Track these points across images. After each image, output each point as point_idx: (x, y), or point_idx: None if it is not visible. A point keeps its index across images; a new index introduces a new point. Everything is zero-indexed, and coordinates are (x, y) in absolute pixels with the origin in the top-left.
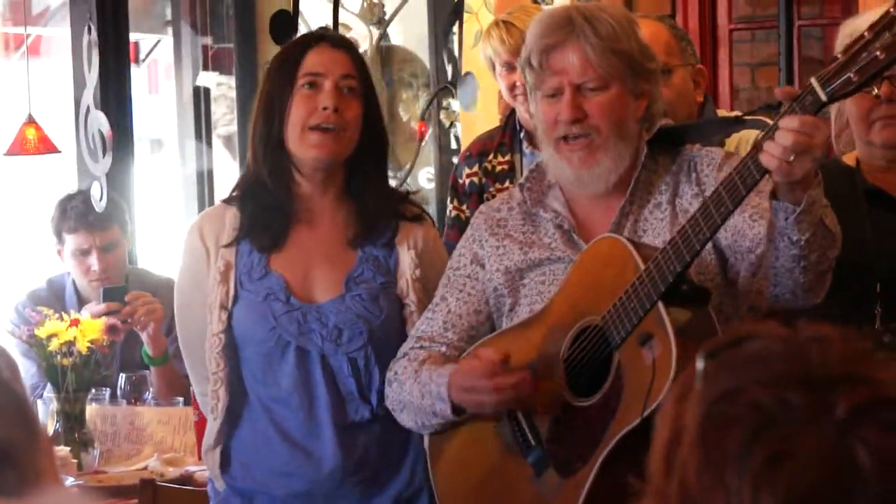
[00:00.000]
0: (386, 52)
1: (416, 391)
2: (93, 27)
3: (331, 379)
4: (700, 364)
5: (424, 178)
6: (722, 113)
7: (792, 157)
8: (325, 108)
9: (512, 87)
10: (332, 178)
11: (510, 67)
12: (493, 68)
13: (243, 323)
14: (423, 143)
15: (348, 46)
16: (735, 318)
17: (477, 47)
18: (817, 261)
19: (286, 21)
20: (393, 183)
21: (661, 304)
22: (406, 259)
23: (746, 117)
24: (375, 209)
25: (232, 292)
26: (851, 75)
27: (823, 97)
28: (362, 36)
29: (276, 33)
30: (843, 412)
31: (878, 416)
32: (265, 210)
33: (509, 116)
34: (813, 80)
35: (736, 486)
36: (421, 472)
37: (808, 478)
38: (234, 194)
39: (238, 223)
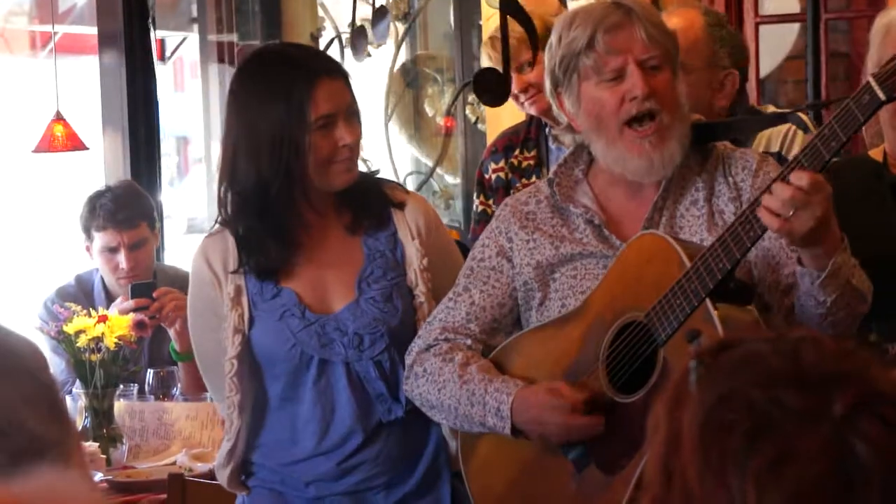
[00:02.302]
0: (411, 47)
1: (462, 397)
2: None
3: (358, 385)
4: (693, 369)
5: (450, 173)
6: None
7: (790, 213)
8: (344, 145)
9: (516, 97)
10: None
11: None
12: None
13: (263, 344)
14: (449, 138)
15: (341, 71)
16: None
17: None
18: (845, 316)
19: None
20: (418, 179)
21: (709, 301)
22: (411, 250)
23: (783, 112)
24: (361, 199)
25: (247, 315)
26: None
27: (882, 96)
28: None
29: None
30: (840, 409)
31: (874, 412)
32: (262, 237)
33: None
34: (870, 79)
35: (739, 488)
36: (443, 455)
37: (811, 475)
38: (224, 220)
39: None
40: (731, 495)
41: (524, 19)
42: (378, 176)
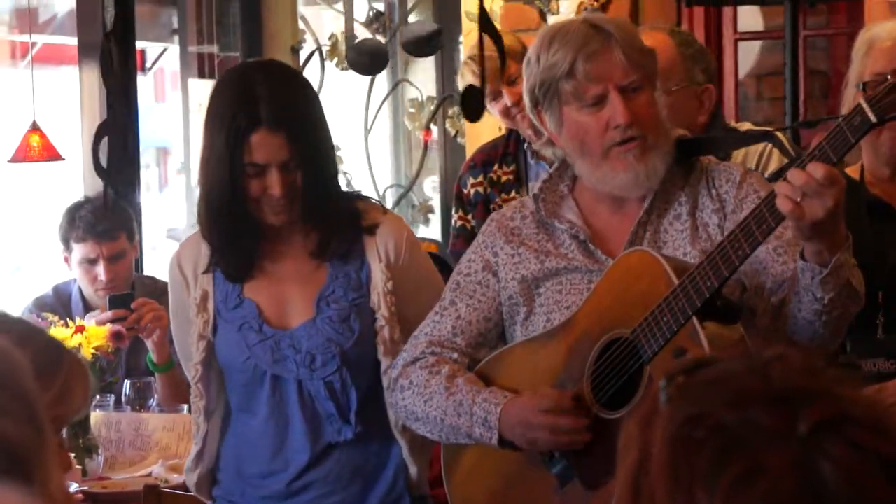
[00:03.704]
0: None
1: (449, 409)
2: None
3: (308, 403)
4: (663, 389)
5: (430, 187)
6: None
7: (800, 198)
8: (272, 194)
9: (506, 112)
10: (291, 212)
11: (496, 95)
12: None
13: (224, 353)
14: (427, 152)
15: (287, 124)
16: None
17: None
18: (839, 316)
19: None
20: (398, 192)
21: (695, 319)
22: (377, 272)
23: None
24: (331, 224)
25: (211, 322)
26: None
27: (873, 118)
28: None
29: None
30: (805, 428)
31: (840, 432)
32: (230, 241)
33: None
34: (862, 101)
35: None
36: (402, 479)
37: (778, 494)
38: (197, 225)
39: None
40: None
41: (495, 37)
42: (357, 193)
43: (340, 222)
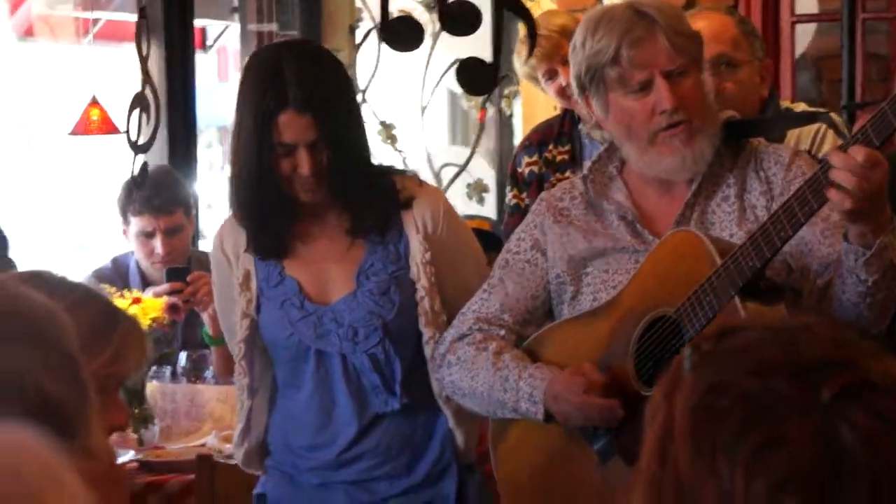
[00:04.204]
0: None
1: (496, 384)
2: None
3: (353, 376)
4: (688, 357)
5: (484, 166)
6: (785, 105)
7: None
8: (301, 174)
9: (561, 91)
10: (322, 190)
11: (551, 74)
12: (536, 81)
13: (268, 330)
14: (482, 131)
15: (315, 107)
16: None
17: None
18: (884, 298)
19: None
20: (453, 171)
21: (737, 299)
22: (415, 244)
23: (815, 112)
24: (364, 201)
25: (254, 300)
26: None
27: None
28: (424, 21)
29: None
30: (827, 396)
31: (862, 400)
32: (263, 219)
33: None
34: None
35: (728, 474)
36: (449, 449)
37: (798, 462)
38: (233, 205)
39: None
40: (720, 481)
41: (525, 16)
42: (392, 167)
43: (374, 198)
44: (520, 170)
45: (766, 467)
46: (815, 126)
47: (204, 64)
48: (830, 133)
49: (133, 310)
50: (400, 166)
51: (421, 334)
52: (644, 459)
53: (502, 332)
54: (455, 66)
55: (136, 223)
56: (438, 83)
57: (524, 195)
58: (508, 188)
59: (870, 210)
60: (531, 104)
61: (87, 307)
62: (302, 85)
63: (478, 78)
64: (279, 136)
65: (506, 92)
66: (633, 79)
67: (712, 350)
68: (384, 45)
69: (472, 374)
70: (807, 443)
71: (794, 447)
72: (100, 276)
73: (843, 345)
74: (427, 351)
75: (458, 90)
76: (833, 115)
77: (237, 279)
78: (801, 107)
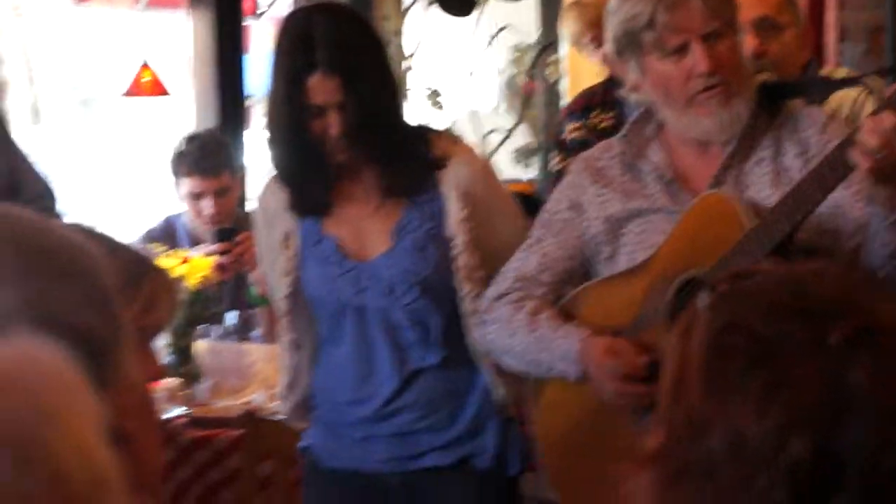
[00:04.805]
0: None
1: (532, 343)
2: None
3: (392, 332)
4: (703, 298)
5: (530, 132)
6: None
7: (879, 153)
8: (332, 134)
9: (606, 58)
10: (354, 151)
11: (597, 41)
12: (582, 48)
13: (309, 287)
14: (529, 98)
15: (343, 68)
16: None
17: None
18: None
19: None
20: (499, 136)
21: (768, 262)
22: (452, 200)
23: (854, 76)
24: (399, 161)
25: (295, 258)
26: None
27: None
28: None
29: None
30: (837, 339)
31: (870, 342)
32: (300, 178)
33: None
34: None
35: (737, 411)
36: (489, 402)
37: (805, 401)
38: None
39: None
40: (731, 419)
41: None
42: (427, 127)
43: (408, 157)
44: (564, 136)
45: (776, 406)
46: (854, 92)
47: (257, 31)
48: (871, 99)
49: (182, 268)
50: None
51: (458, 290)
52: (660, 398)
53: (540, 291)
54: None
55: (185, 184)
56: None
57: (568, 160)
58: (553, 154)
59: (892, 174)
60: (577, 71)
61: (116, 256)
62: (330, 47)
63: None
64: (309, 97)
65: (551, 59)
66: (668, 42)
67: (727, 291)
68: (431, 12)
69: (510, 333)
70: (814, 384)
71: (801, 388)
72: (150, 235)
73: (852, 288)
74: (464, 306)
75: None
76: (873, 80)
77: (279, 237)
78: (842, 73)
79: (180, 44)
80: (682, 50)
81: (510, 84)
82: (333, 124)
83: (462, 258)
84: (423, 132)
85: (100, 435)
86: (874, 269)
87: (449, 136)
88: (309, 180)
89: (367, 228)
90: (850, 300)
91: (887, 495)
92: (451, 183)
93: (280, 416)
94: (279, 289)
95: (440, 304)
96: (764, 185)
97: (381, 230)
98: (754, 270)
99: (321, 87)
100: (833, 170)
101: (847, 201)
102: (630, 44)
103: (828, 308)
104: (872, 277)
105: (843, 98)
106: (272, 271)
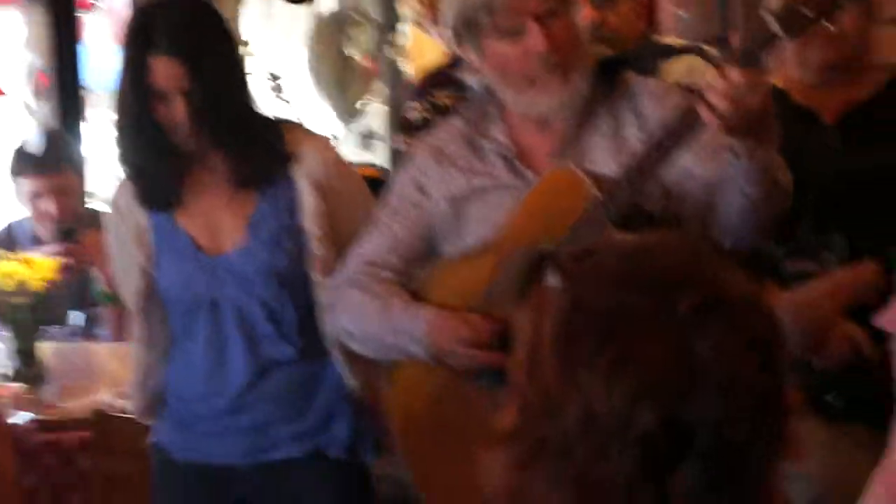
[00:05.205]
0: None
1: (384, 327)
2: None
3: (247, 326)
4: (551, 278)
5: (374, 114)
6: (664, 41)
7: (728, 112)
8: (176, 121)
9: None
10: (201, 138)
11: (437, 21)
12: (424, 28)
13: (162, 282)
14: (371, 80)
15: (184, 53)
16: None
17: None
18: (766, 214)
19: None
20: (343, 120)
21: (614, 231)
22: (306, 193)
23: (688, 44)
24: (249, 150)
25: (149, 254)
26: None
27: (779, 33)
28: None
29: None
30: (684, 310)
31: (717, 314)
32: (145, 167)
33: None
34: (769, 17)
35: (589, 388)
36: (342, 393)
37: (652, 374)
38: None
39: None
40: (583, 395)
41: None
42: (278, 118)
43: (260, 148)
44: (408, 115)
45: (623, 380)
46: (688, 59)
47: (93, 24)
48: (708, 67)
49: (23, 270)
50: (288, 117)
51: (314, 283)
52: (513, 377)
53: (389, 274)
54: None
55: (24, 184)
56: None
57: (413, 141)
58: (398, 134)
59: (750, 127)
60: (420, 52)
61: None
62: (173, 31)
63: None
64: (154, 82)
65: (395, 40)
66: (505, 24)
67: (572, 271)
68: None
69: (361, 318)
70: (660, 356)
71: (648, 361)
72: None
73: (697, 260)
74: (320, 298)
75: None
76: (706, 47)
77: (131, 233)
78: (679, 42)
79: (13, 41)
80: (519, 31)
81: (352, 68)
82: (177, 110)
83: (318, 251)
84: (275, 123)
85: None
86: (730, 222)
87: (302, 128)
88: (158, 171)
89: (221, 221)
90: (695, 271)
91: (731, 466)
92: (305, 175)
93: (129, 414)
94: (131, 285)
95: (296, 296)
96: (605, 157)
97: (235, 223)
98: (598, 247)
99: (164, 71)
100: (671, 136)
101: (693, 163)
102: (467, 26)
103: (673, 280)
104: (717, 248)
105: (679, 66)
106: (124, 269)
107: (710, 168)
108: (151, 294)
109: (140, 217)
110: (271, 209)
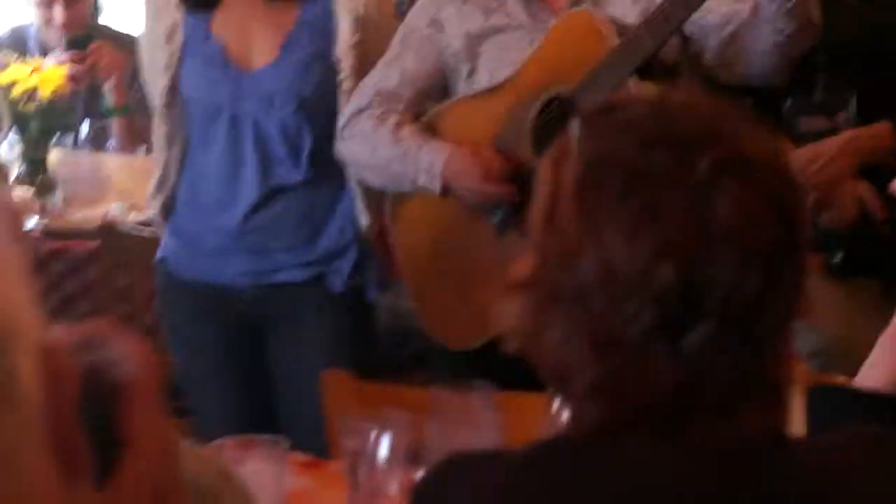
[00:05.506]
0: None
1: (395, 156)
2: None
3: (262, 144)
4: (576, 127)
5: None
6: None
7: None
8: None
9: None
10: None
11: None
12: None
13: (187, 86)
14: None
15: None
16: None
17: None
18: (795, 50)
19: None
20: None
21: (632, 80)
22: (345, 23)
23: None
24: None
25: (177, 54)
26: None
27: None
28: None
29: None
30: (704, 167)
31: (736, 170)
32: None
33: None
34: None
35: (609, 237)
36: (350, 227)
37: (672, 230)
38: None
39: None
40: (601, 246)
41: None
42: None
43: None
44: None
45: (644, 234)
46: None
47: None
48: None
49: (33, 79)
50: None
51: (339, 112)
52: (532, 225)
53: (401, 107)
54: None
55: None
56: None
57: None
58: None
59: None
60: None
61: None
62: None
63: None
64: None
65: None
66: None
67: (598, 123)
68: None
69: (372, 146)
70: (681, 213)
71: (669, 216)
72: None
73: (719, 119)
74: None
75: None
76: None
77: (164, 30)
78: None
79: None
80: None
81: None
82: None
83: (347, 83)
84: None
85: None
86: (756, 56)
87: None
88: None
89: (256, 35)
90: (716, 131)
91: (744, 326)
92: (349, 6)
93: (137, 230)
94: (158, 86)
95: (314, 125)
96: (624, 3)
97: (270, 39)
98: (623, 101)
99: None
100: None
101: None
102: None
103: (695, 138)
104: (738, 109)
105: None
106: (151, 65)
107: (730, 3)
108: (175, 94)
109: (174, 13)
110: (308, 33)
